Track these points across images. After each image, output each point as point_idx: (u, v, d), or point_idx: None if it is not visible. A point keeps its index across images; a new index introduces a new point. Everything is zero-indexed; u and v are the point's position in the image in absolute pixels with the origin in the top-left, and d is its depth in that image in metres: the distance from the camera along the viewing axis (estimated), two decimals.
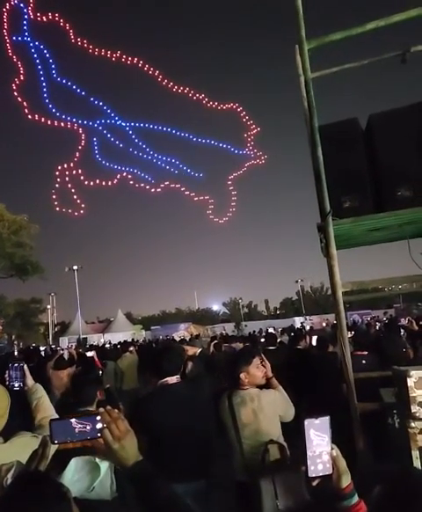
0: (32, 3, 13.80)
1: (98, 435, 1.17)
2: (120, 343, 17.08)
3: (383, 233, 3.50)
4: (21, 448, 1.83)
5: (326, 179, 3.14)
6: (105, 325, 41.30)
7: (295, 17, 3.11)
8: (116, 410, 1.21)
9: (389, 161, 3.22)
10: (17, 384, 2.45)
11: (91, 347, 15.15)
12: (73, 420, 1.17)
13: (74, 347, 13.05)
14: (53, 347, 27.50)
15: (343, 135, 3.35)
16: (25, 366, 2.52)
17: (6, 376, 2.47)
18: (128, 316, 48.37)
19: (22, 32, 13.64)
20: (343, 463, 1.20)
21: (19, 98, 13.22)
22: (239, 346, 10.04)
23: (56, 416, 2.33)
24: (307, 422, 1.18)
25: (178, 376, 2.91)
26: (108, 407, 1.21)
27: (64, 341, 32.25)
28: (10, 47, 13.52)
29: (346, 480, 1.19)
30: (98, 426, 1.17)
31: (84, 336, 30.89)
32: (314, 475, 1.18)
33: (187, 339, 21.60)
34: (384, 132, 3.30)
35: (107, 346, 19.74)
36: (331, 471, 1.18)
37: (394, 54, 3.51)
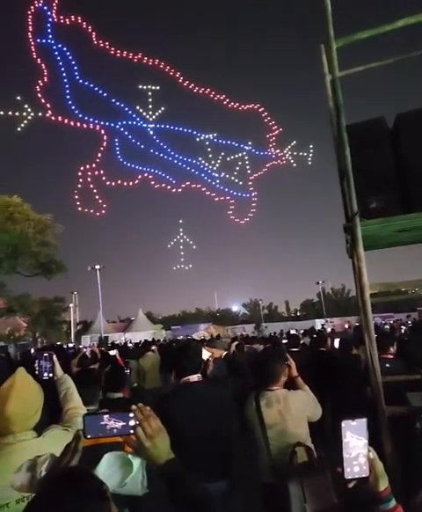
0: (56, 6, 14.06)
1: (131, 432, 1.17)
2: (140, 342, 17.21)
3: (412, 234, 3.44)
4: (55, 441, 1.89)
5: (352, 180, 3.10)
6: (126, 325, 41.69)
7: (323, 15, 3.07)
8: (148, 407, 1.22)
9: (417, 160, 3.16)
10: (46, 375, 2.51)
11: (113, 346, 15.28)
12: (106, 416, 1.17)
13: (95, 345, 13.23)
14: (73, 345, 27.87)
15: (369, 135, 3.30)
16: (55, 356, 2.57)
17: (36, 365, 2.53)
18: (149, 315, 48.68)
19: (46, 35, 13.90)
20: (380, 466, 1.17)
21: (43, 100, 13.43)
22: (260, 347, 10.00)
23: (83, 407, 2.38)
24: (344, 424, 1.16)
25: (199, 375, 2.90)
26: (140, 405, 1.21)
27: (86, 340, 32.68)
28: (35, 49, 13.81)
29: (384, 484, 1.17)
30: (131, 423, 1.17)
31: (106, 335, 31.22)
32: (350, 477, 1.16)
33: (207, 339, 21.61)
34: (412, 131, 3.24)
35: (129, 345, 19.90)
36: (367, 474, 1.16)
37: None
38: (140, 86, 14.86)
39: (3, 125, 12.81)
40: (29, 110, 12.73)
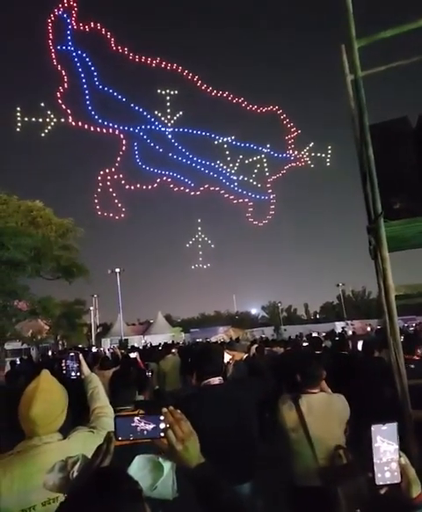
0: (75, 13, 14.30)
1: (161, 434, 1.17)
2: (160, 345, 17.25)
3: None
4: (80, 443, 1.91)
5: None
6: (146, 327, 41.97)
7: (345, 14, 3.04)
8: (179, 411, 1.21)
9: None
10: (74, 374, 2.53)
11: (133, 349, 15.35)
12: (136, 418, 1.17)
13: (117, 347, 13.34)
14: (95, 349, 28.04)
15: (392, 135, 3.26)
16: (81, 356, 2.59)
17: (63, 365, 2.55)
18: (168, 318, 48.82)
19: (66, 42, 14.14)
20: (413, 471, 1.14)
21: (63, 106, 13.64)
22: (280, 350, 9.92)
23: (109, 406, 2.38)
24: (374, 428, 1.13)
25: (220, 378, 2.89)
26: (171, 408, 1.20)
27: (106, 342, 33.02)
28: (55, 56, 14.06)
29: (417, 490, 1.13)
30: (162, 426, 1.17)
31: (125, 337, 31.46)
32: (381, 483, 1.13)
33: (226, 342, 21.50)
34: None
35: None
36: (399, 480, 1.13)
37: None
38: (158, 91, 14.98)
39: (27, 131, 13.09)
40: (52, 116, 12.97)
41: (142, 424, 1.16)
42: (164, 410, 1.19)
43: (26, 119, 12.98)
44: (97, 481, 0.97)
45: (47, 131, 12.98)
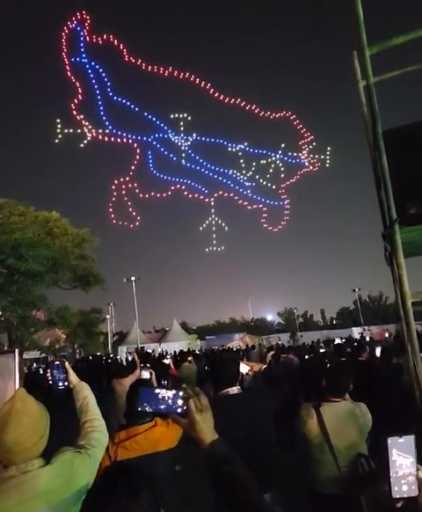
0: (88, 25, 14.61)
1: (179, 411, 1.20)
2: (175, 352, 17.28)
3: None
4: (67, 467, 1.77)
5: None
6: (162, 335, 42.01)
7: (356, 22, 3.05)
8: (197, 388, 1.25)
9: None
10: (61, 384, 2.36)
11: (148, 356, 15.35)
12: (158, 390, 1.22)
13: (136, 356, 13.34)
14: (111, 355, 28.27)
15: (406, 140, 3.25)
16: (67, 363, 2.40)
17: (48, 375, 2.37)
18: (183, 325, 48.78)
19: (79, 54, 14.45)
20: None
21: (78, 117, 13.89)
22: (295, 357, 9.83)
23: (100, 418, 2.21)
24: (390, 441, 1.11)
25: (238, 387, 2.89)
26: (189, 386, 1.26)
27: (123, 350, 33.15)
28: (70, 68, 14.37)
29: None
30: (179, 402, 1.21)
31: (142, 345, 31.53)
32: (398, 496, 1.11)
33: (243, 349, 21.44)
34: None
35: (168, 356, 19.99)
36: (416, 494, 1.11)
37: None
38: (171, 116, 15.18)
39: (42, 142, 13.44)
40: (90, 127, 13.33)
41: (165, 396, 1.21)
42: (183, 385, 1.25)
43: (66, 130, 13.33)
44: (114, 473, 1.07)
45: (85, 142, 13.36)
